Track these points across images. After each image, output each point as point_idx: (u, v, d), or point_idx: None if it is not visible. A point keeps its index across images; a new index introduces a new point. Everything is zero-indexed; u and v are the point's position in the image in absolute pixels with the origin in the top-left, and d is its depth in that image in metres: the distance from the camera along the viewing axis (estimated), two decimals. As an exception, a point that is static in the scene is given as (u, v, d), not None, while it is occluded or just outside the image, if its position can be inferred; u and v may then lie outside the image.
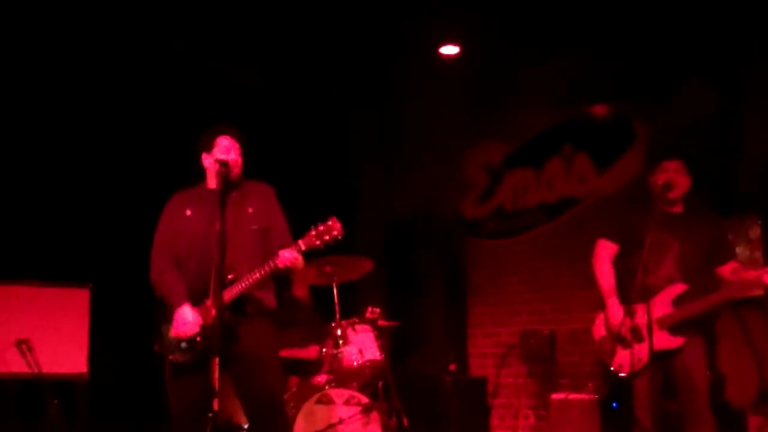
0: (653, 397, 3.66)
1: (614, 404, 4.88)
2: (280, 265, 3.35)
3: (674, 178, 3.76)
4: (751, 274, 3.67)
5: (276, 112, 6.11)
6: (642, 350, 3.64)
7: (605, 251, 3.92)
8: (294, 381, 5.06)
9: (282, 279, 3.66)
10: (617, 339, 3.74)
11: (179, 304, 3.39)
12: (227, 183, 3.42)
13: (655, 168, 3.84)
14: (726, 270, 3.80)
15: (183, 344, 3.37)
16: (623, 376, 3.71)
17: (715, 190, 4.66)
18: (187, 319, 3.37)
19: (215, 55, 5.53)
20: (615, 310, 3.76)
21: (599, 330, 3.87)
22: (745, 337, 4.87)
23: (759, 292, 3.69)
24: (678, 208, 3.84)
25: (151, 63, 5.54)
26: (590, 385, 5.25)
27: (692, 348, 3.68)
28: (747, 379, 4.78)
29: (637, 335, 3.65)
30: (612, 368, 3.76)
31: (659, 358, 3.64)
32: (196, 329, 3.35)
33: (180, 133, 5.36)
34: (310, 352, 5.12)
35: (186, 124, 5.35)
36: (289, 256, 3.35)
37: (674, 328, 3.68)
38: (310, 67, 6.07)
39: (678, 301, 3.70)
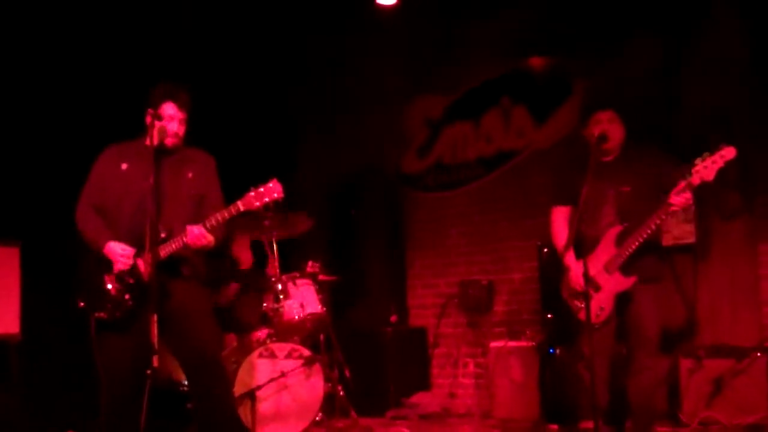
0: (609, 342, 3.74)
1: (551, 350, 5.02)
2: (188, 242, 3.32)
3: (608, 128, 3.75)
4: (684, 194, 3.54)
5: (215, 68, 5.94)
6: (601, 299, 3.69)
7: (560, 216, 3.94)
8: (231, 338, 5.03)
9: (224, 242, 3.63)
10: (578, 294, 3.69)
11: (106, 243, 3.39)
12: (162, 139, 3.36)
13: (588, 120, 3.83)
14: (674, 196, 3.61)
15: (113, 294, 3.33)
16: (597, 326, 3.66)
17: (653, 142, 4.75)
18: (118, 251, 3.36)
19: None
20: (573, 267, 3.74)
21: (565, 290, 3.84)
22: (676, 283, 5.04)
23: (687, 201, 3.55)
24: (612, 157, 3.84)
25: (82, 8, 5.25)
26: (528, 332, 5.40)
27: (643, 294, 3.70)
28: (678, 324, 4.97)
29: (594, 286, 3.68)
30: (590, 322, 3.57)
31: (620, 302, 3.70)
32: (131, 260, 3.34)
33: (112, 86, 5.18)
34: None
35: (120, 77, 5.16)
36: (196, 233, 3.30)
37: (625, 269, 3.68)
38: (246, 22, 5.89)
39: (619, 241, 3.71)
